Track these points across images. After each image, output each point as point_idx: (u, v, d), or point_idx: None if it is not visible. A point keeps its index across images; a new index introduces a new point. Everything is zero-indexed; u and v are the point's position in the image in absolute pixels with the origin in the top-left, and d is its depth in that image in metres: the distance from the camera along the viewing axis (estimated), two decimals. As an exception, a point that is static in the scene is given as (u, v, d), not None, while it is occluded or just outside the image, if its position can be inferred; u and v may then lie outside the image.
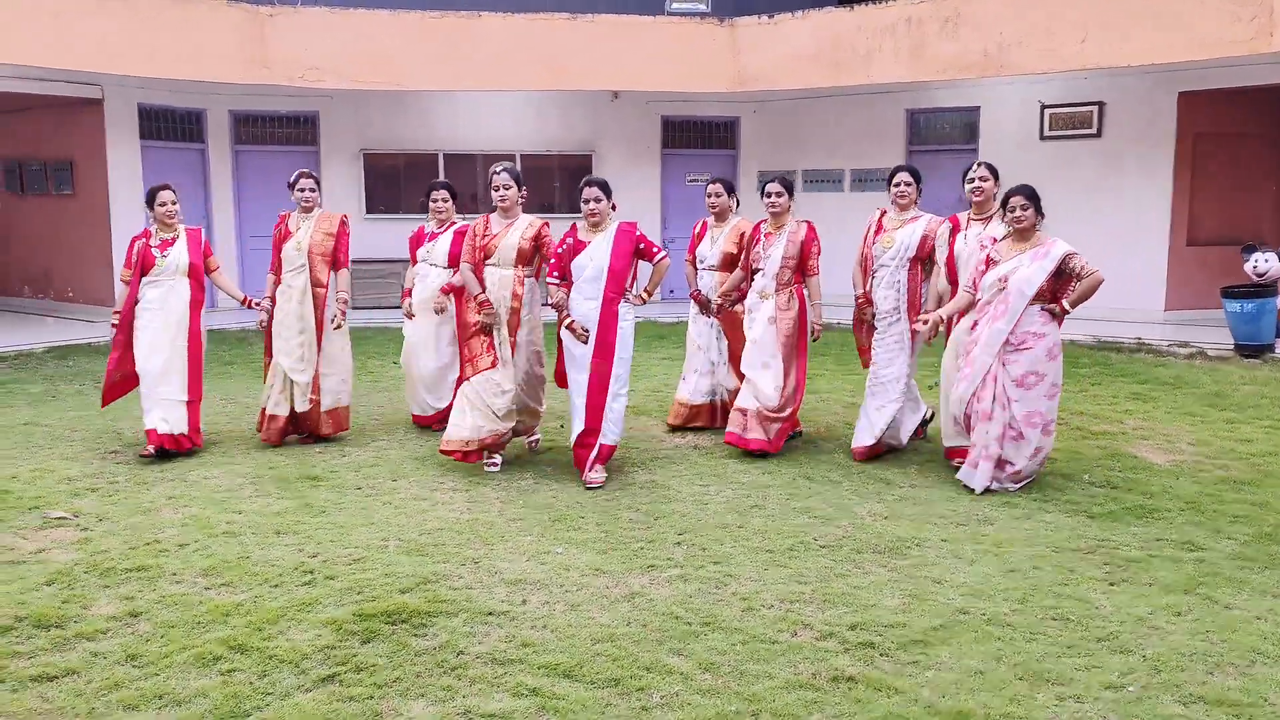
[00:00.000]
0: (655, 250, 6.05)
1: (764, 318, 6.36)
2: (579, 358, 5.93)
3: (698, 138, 15.45)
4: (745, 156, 15.24)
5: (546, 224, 6.25)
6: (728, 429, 6.48)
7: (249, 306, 6.72)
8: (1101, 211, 12.89)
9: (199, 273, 6.50)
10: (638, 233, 6.05)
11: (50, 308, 13.99)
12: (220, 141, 14.15)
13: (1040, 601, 4.19)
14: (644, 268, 6.10)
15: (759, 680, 3.51)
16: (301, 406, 6.66)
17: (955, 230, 6.18)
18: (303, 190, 6.75)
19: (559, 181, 15.09)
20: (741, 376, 6.56)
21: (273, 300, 6.66)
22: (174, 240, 6.45)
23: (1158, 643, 3.80)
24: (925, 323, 5.93)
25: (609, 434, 5.94)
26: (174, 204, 6.44)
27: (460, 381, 6.21)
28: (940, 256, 6.23)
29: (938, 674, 3.55)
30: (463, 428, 5.98)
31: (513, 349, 6.10)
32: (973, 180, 6.17)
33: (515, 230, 6.12)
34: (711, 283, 6.95)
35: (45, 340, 11.29)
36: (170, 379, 6.35)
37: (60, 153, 13.59)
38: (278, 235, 6.77)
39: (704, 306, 6.98)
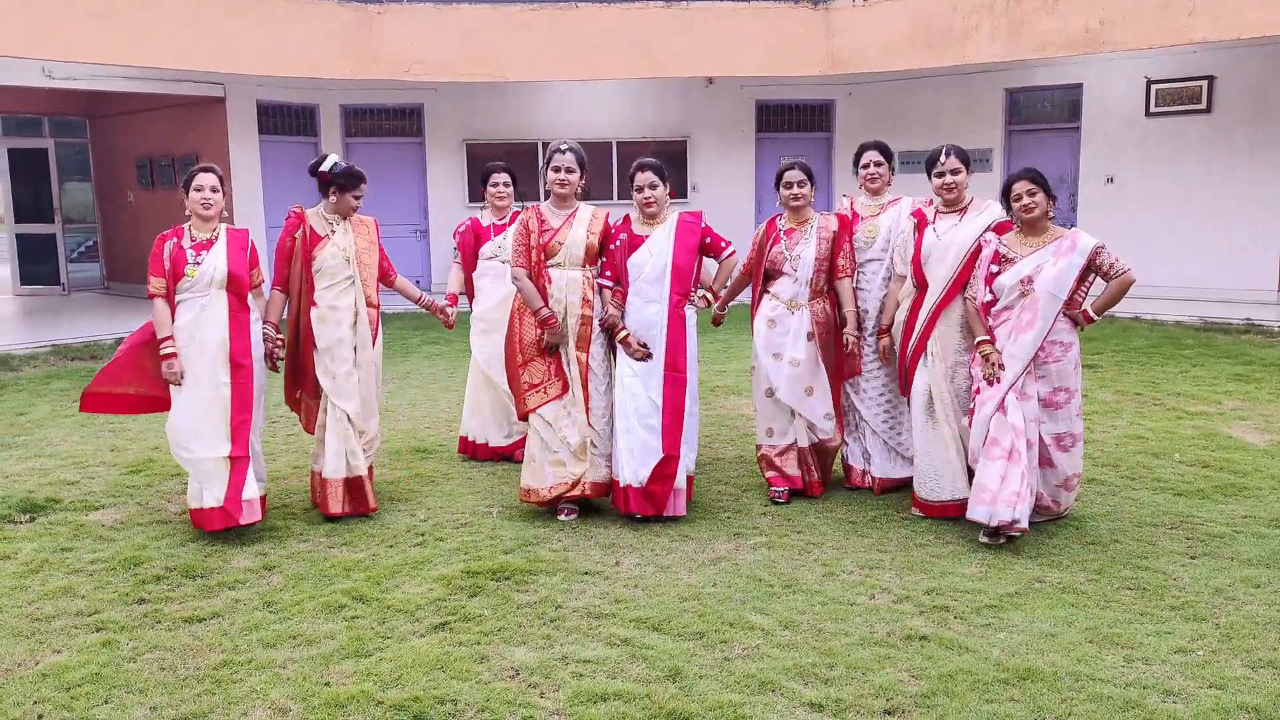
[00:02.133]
0: (723, 245, 5.18)
1: (800, 333, 5.21)
2: (640, 375, 5.02)
3: (792, 121, 15.53)
4: (841, 139, 15.24)
5: (608, 214, 5.31)
6: (782, 471, 5.33)
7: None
8: (1211, 189, 12.55)
9: (241, 286, 4.82)
10: (703, 224, 5.18)
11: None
12: (332, 135, 14.84)
13: (1117, 572, 4.29)
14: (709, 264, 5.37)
15: (835, 637, 3.73)
16: (361, 466, 5.10)
17: (921, 225, 5.09)
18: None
19: (654, 167, 15.34)
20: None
21: (275, 327, 5.11)
22: (211, 242, 4.83)
23: (1232, 612, 3.88)
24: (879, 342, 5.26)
25: (688, 460, 5.13)
26: (214, 191, 4.81)
27: (522, 417, 5.22)
28: (906, 255, 5.16)
29: (1009, 635, 3.72)
30: (533, 473, 5.11)
31: (585, 369, 5.09)
32: (942, 173, 5.00)
33: (579, 223, 5.10)
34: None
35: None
36: (205, 433, 4.75)
37: (186, 149, 14.45)
38: (292, 242, 5.10)
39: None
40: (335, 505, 5.05)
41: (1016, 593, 4.10)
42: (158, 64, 11.83)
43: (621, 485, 5.02)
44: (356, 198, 5.20)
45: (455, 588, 4.23)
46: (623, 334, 5.04)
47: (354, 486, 5.10)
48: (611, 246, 5.11)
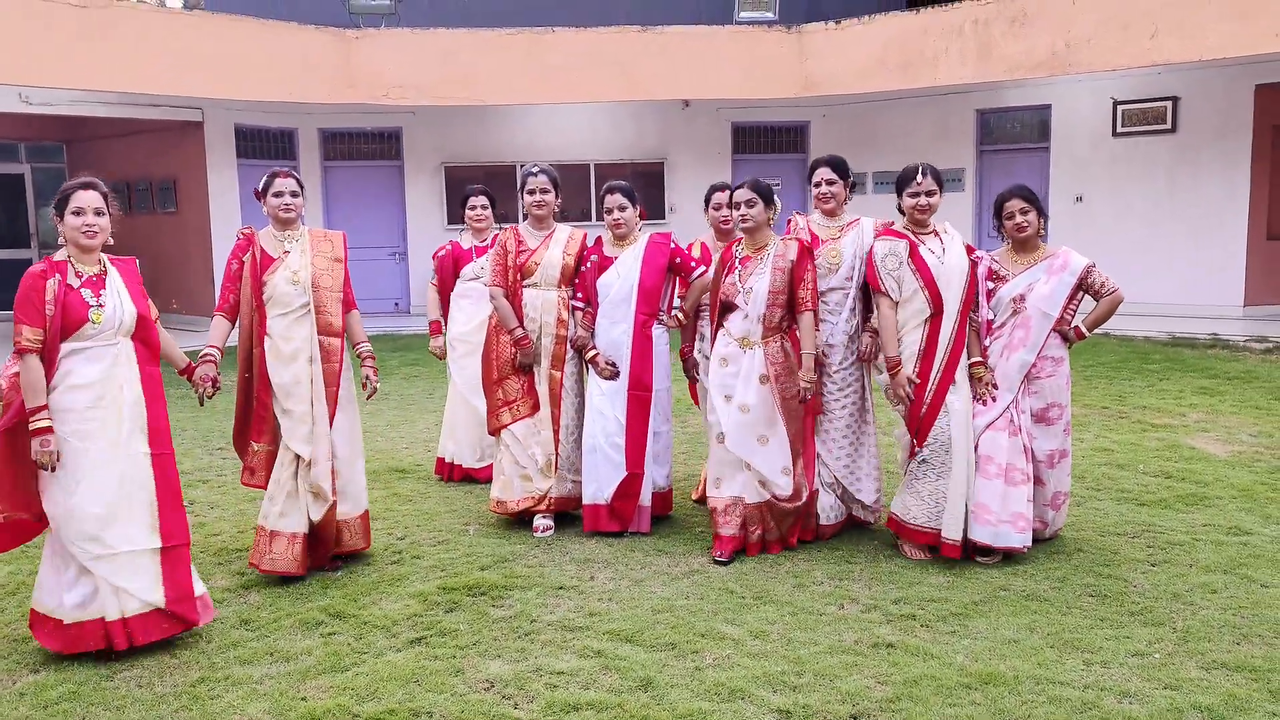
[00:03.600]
0: (693, 265, 5.18)
1: (751, 375, 4.70)
2: (608, 394, 5.07)
3: (768, 143, 15.73)
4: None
5: (586, 235, 5.35)
6: (719, 530, 4.78)
7: (189, 377, 4.31)
8: (1177, 207, 12.81)
9: (149, 331, 3.93)
10: (672, 245, 5.21)
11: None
12: (311, 158, 14.91)
13: (1080, 580, 4.40)
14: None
15: (804, 646, 3.81)
16: (316, 515, 4.56)
17: (914, 247, 4.74)
18: (280, 196, 4.63)
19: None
20: None
21: (220, 350, 4.50)
22: (102, 277, 3.86)
23: (1189, 616, 3.99)
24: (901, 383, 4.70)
25: (658, 476, 5.17)
26: (99, 214, 3.81)
27: (493, 433, 5.28)
28: (900, 278, 4.73)
29: (973, 642, 3.81)
30: (502, 486, 5.20)
31: (559, 386, 5.17)
32: (917, 193, 4.76)
33: (556, 244, 5.20)
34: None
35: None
36: (121, 517, 3.78)
37: (164, 173, 14.50)
38: (239, 265, 4.57)
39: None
40: (292, 564, 4.50)
41: (981, 601, 4.20)
42: (135, 89, 11.89)
43: (588, 502, 5.10)
44: (276, 195, 4.61)
45: (431, 603, 4.28)
46: (591, 353, 5.12)
47: (318, 532, 4.58)
48: (584, 268, 5.20)
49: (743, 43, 14.01)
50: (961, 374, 4.69)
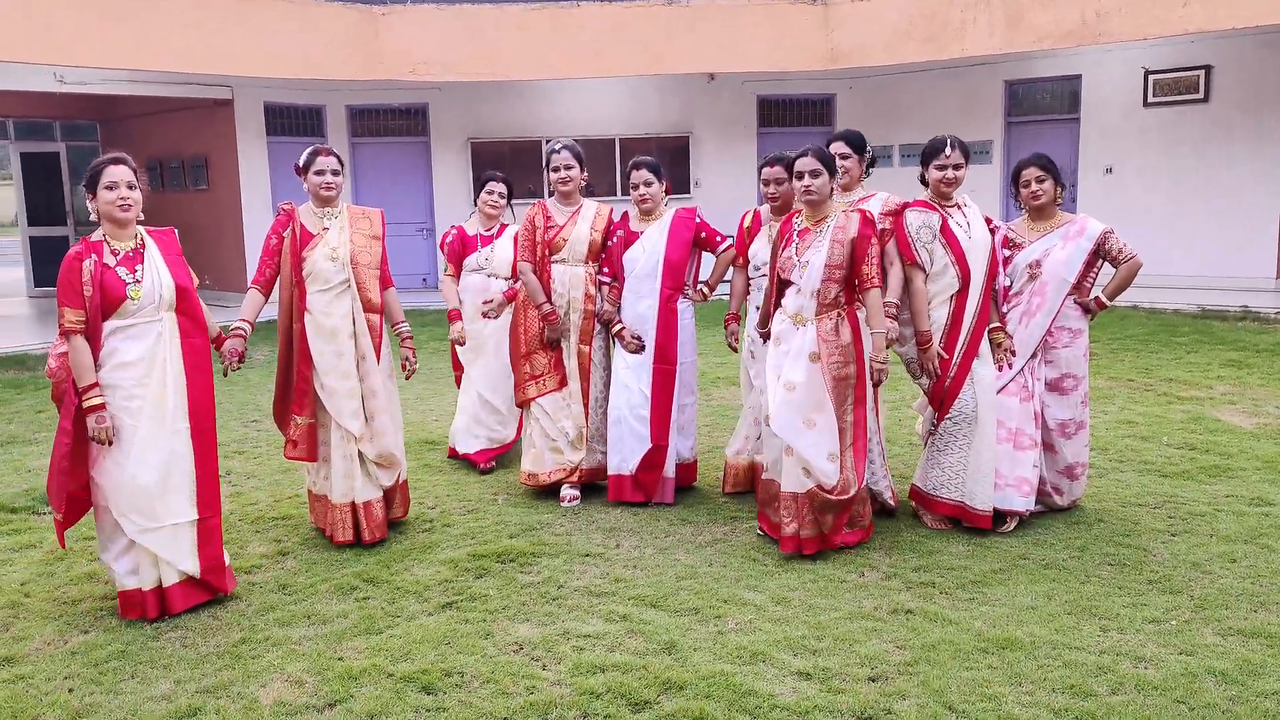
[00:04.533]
0: (719, 238, 5.25)
1: (801, 353, 4.45)
2: (634, 368, 5.18)
3: (794, 116, 15.68)
4: (841, 133, 15.37)
5: (612, 210, 5.43)
6: (785, 534, 4.50)
7: (217, 348, 4.34)
8: (1209, 178, 12.67)
9: (191, 303, 4.00)
10: (698, 219, 5.25)
11: (190, 294, 15.16)
12: (339, 135, 15.03)
13: (1099, 549, 4.45)
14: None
15: (825, 612, 3.90)
16: (388, 481, 4.82)
17: (944, 221, 4.70)
18: (322, 174, 4.66)
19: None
20: None
21: (250, 324, 4.59)
22: (139, 251, 3.93)
23: (1207, 585, 4.04)
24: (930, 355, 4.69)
25: (683, 448, 5.28)
26: (132, 188, 3.91)
27: (522, 405, 5.39)
28: (933, 251, 4.69)
29: (991, 609, 3.88)
30: (533, 459, 5.31)
31: (587, 360, 5.28)
32: (944, 165, 4.74)
33: (583, 220, 5.25)
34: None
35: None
36: (173, 492, 3.93)
37: (196, 150, 14.68)
38: (279, 240, 4.65)
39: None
40: (343, 533, 4.66)
41: (1001, 569, 4.27)
42: (166, 67, 12.03)
43: (613, 473, 5.20)
44: (318, 173, 4.65)
45: (462, 570, 4.41)
46: (617, 328, 5.21)
47: (365, 512, 4.69)
48: (610, 242, 5.27)
49: (768, 15, 13.93)
50: (985, 345, 4.71)
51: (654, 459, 5.15)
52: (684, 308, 5.23)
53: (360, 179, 15.27)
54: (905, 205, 4.81)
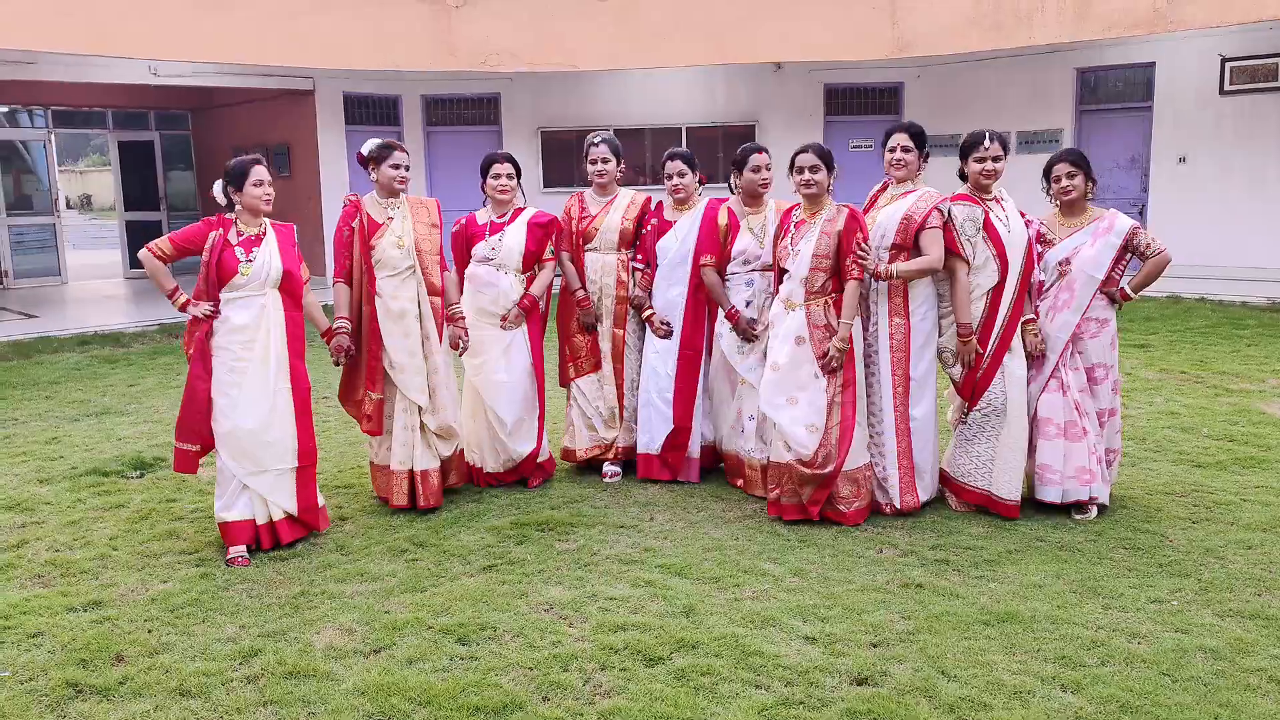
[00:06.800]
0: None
1: (789, 336, 4.78)
2: (662, 352, 5.40)
3: (861, 104, 15.68)
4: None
5: (649, 199, 5.60)
6: (769, 499, 4.91)
7: (327, 341, 4.97)
8: (1286, 168, 12.37)
9: (295, 284, 4.66)
10: (729, 210, 5.35)
11: (272, 277, 15.87)
12: (414, 124, 15.53)
13: (1116, 533, 4.58)
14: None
15: (839, 584, 4.12)
16: (446, 451, 5.20)
17: (986, 214, 4.83)
18: (398, 168, 5.03)
19: (723, 152, 15.69)
20: None
21: (350, 320, 4.99)
22: (260, 237, 4.61)
23: (1217, 570, 4.15)
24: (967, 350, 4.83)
25: (708, 431, 5.54)
26: (270, 184, 4.64)
27: (563, 384, 5.71)
28: (975, 243, 4.79)
29: (999, 585, 4.06)
30: (571, 436, 5.67)
31: (621, 344, 5.56)
32: (984, 158, 4.84)
33: (615, 209, 5.52)
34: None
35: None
36: (273, 442, 4.54)
37: (279, 139, 15.33)
38: (350, 232, 5.02)
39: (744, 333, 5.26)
40: (398, 498, 5.04)
41: (1016, 550, 4.43)
42: (252, 60, 12.62)
43: (641, 451, 5.52)
44: (394, 167, 5.00)
45: (504, 536, 4.73)
46: (648, 313, 5.46)
47: (422, 480, 5.05)
48: (644, 230, 5.51)
49: (835, 4, 13.96)
50: (1018, 339, 4.83)
51: (676, 440, 5.41)
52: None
53: (434, 168, 15.77)
54: (943, 200, 4.86)
